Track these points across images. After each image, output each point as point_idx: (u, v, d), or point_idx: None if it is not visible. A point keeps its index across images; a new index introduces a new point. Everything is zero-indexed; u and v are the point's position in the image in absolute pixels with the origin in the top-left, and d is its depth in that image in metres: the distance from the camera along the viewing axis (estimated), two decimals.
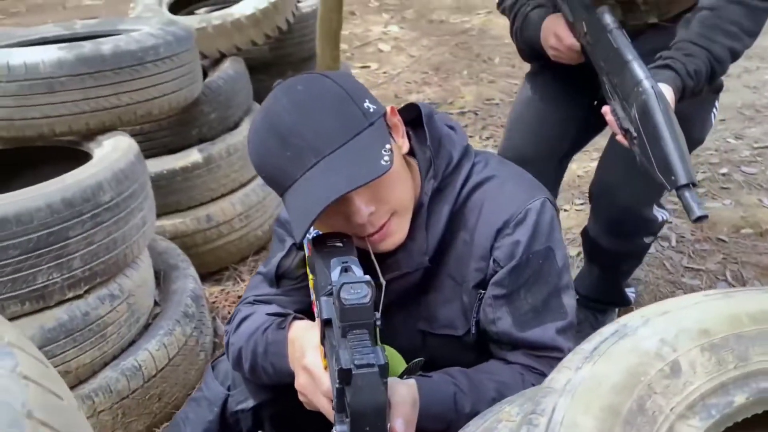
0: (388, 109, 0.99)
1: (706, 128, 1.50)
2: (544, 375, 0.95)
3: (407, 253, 1.00)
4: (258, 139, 0.93)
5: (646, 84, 1.08)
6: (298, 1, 2.76)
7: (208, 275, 2.20)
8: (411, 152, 1.03)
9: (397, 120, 1.00)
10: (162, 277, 1.87)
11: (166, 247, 1.97)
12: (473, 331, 1.03)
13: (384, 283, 0.92)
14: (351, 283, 0.73)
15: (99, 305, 1.50)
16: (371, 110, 0.93)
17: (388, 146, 0.89)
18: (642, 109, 1.06)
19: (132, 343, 1.62)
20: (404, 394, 0.86)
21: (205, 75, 2.39)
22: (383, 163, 0.87)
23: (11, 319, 1.38)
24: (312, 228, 0.94)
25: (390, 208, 0.94)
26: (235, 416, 1.16)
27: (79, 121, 1.70)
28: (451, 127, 1.07)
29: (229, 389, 1.16)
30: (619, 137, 1.17)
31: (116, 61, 1.71)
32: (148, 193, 1.70)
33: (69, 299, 1.45)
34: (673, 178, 0.99)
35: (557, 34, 1.41)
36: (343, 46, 4.65)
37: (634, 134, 1.08)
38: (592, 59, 1.29)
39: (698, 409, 0.56)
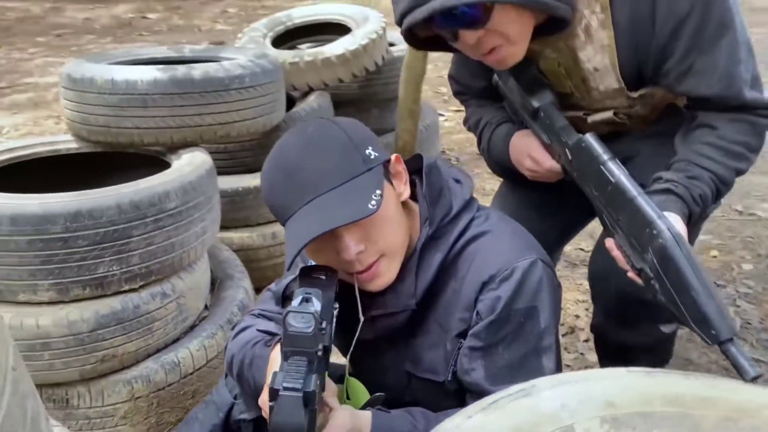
0: (393, 157, 1.06)
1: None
2: None
3: (395, 294, 1.05)
4: (268, 171, 1.03)
5: (661, 226, 0.96)
6: (391, 45, 2.90)
7: (264, 289, 2.34)
8: (415, 199, 1.10)
9: (401, 168, 1.07)
10: (217, 284, 2.02)
11: (227, 257, 2.13)
12: (449, 379, 1.07)
13: (362, 319, 0.99)
14: (298, 312, 0.79)
15: (150, 301, 1.66)
16: (372, 157, 1.00)
17: (379, 191, 0.96)
18: (661, 255, 0.95)
19: (176, 340, 1.76)
20: (344, 421, 0.91)
21: (292, 105, 2.58)
22: (370, 206, 0.93)
23: (73, 301, 1.56)
24: (311, 260, 1.03)
25: (379, 249, 1.00)
26: (237, 424, 1.23)
27: (165, 135, 1.91)
28: (458, 180, 1.12)
29: (235, 398, 1.24)
30: (631, 274, 1.06)
31: (204, 85, 1.90)
32: (214, 206, 1.86)
33: (124, 291, 1.61)
34: (713, 332, 0.87)
35: (533, 157, 1.30)
36: (442, 89, 4.79)
37: (651, 276, 0.97)
38: (579, 184, 1.17)
39: None
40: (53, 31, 6.57)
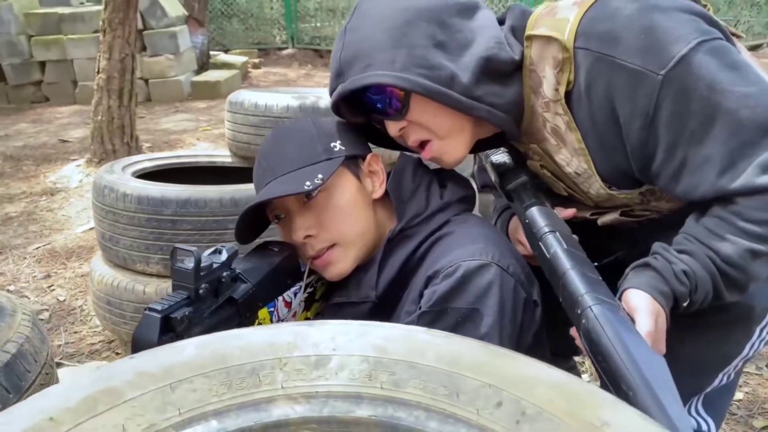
0: (370, 156, 1.10)
1: (737, 347, 1.06)
2: None
3: (357, 283, 1.07)
4: (256, 158, 1.15)
5: (585, 302, 0.82)
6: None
7: None
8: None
9: (377, 168, 1.10)
10: None
11: None
12: None
13: (303, 285, 1.06)
14: (184, 250, 0.87)
15: None
16: (336, 149, 1.05)
17: (321, 176, 1.00)
18: (587, 339, 0.81)
19: None
20: None
21: None
22: (305, 186, 0.98)
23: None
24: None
25: (331, 237, 1.04)
26: None
27: None
28: (444, 185, 1.11)
29: None
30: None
31: (328, 112, 2.12)
32: None
33: None
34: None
35: (520, 240, 1.17)
36: None
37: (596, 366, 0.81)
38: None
39: None
40: None
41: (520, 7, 1.06)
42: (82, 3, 7.27)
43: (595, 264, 0.96)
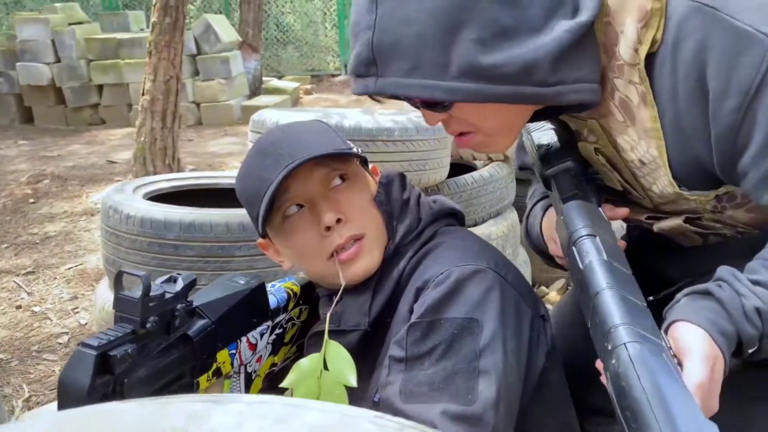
0: (370, 165, 1.00)
1: None
2: None
3: (349, 308, 0.94)
4: (243, 166, 1.00)
5: (618, 338, 0.64)
6: None
7: None
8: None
9: (377, 178, 1.01)
10: None
11: None
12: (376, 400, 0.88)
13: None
14: (129, 274, 0.74)
15: None
16: (353, 148, 0.97)
17: (359, 154, 0.96)
18: (614, 385, 0.64)
19: None
20: None
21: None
22: (353, 149, 0.93)
23: None
24: (296, 271, 1.03)
25: (360, 225, 0.94)
26: None
27: None
28: (434, 201, 1.03)
29: None
30: None
31: (351, 133, 1.98)
32: None
33: None
34: None
35: (554, 239, 0.98)
36: None
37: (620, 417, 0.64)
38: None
39: None
40: None
41: None
42: (142, 29, 7.46)
43: (650, 298, 0.76)
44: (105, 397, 0.71)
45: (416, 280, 0.91)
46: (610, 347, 0.65)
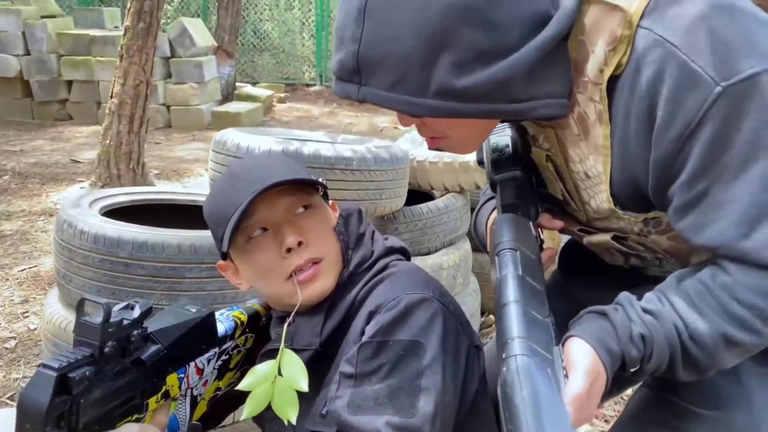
0: (330, 201, 1.11)
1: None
2: None
3: (302, 329, 1.01)
4: (213, 188, 1.08)
5: (512, 348, 0.70)
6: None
7: None
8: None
9: (335, 211, 1.11)
10: None
11: None
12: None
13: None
14: (90, 301, 0.79)
15: None
16: (317, 178, 1.06)
17: (323, 185, 1.05)
18: (501, 392, 0.69)
19: None
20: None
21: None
22: (319, 180, 1.03)
23: None
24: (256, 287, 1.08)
25: (319, 250, 1.01)
26: None
27: None
28: (386, 238, 1.11)
29: None
30: None
31: (310, 161, 2.01)
32: None
33: None
34: None
35: None
36: None
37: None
38: None
39: None
40: (318, 129, 7.62)
41: None
42: (116, 27, 7.39)
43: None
44: (61, 416, 0.75)
45: (369, 305, 0.98)
46: (504, 356, 0.72)
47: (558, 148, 0.94)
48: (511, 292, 0.78)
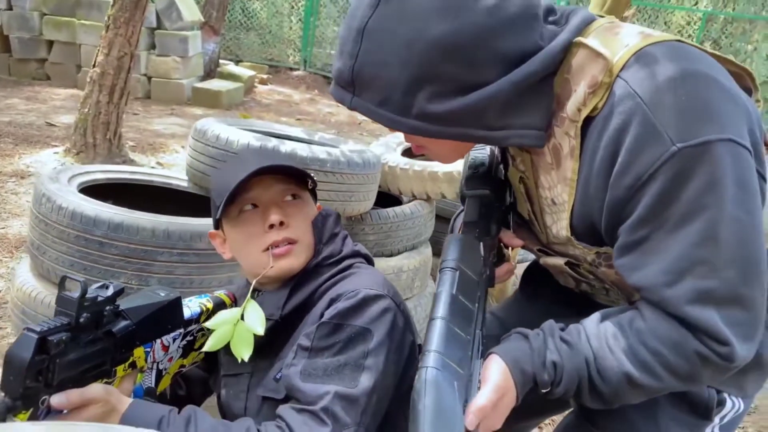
0: (317, 204, 1.25)
1: None
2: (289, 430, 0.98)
3: (269, 299, 1.14)
4: (224, 165, 1.25)
5: (425, 361, 0.79)
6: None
7: None
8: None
9: (318, 209, 1.24)
10: None
11: None
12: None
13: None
14: (71, 279, 0.91)
15: None
16: (312, 176, 1.21)
17: (313, 178, 1.19)
18: (411, 398, 0.78)
19: None
20: (97, 392, 0.95)
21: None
22: (311, 174, 1.17)
23: None
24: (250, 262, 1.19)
25: (297, 234, 1.15)
26: None
27: None
28: (356, 244, 1.24)
29: None
30: None
31: (286, 159, 2.10)
32: None
33: None
34: None
35: None
36: None
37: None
38: None
39: None
40: (297, 115, 7.65)
41: (586, 13, 0.95)
42: None
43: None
44: (40, 372, 0.88)
45: (331, 293, 1.12)
46: (420, 365, 0.81)
47: (531, 173, 1.02)
48: (441, 309, 0.86)
